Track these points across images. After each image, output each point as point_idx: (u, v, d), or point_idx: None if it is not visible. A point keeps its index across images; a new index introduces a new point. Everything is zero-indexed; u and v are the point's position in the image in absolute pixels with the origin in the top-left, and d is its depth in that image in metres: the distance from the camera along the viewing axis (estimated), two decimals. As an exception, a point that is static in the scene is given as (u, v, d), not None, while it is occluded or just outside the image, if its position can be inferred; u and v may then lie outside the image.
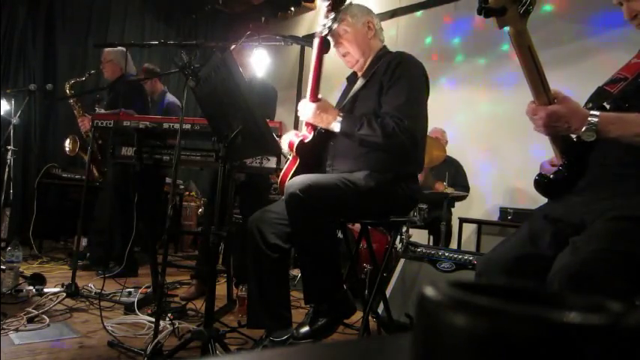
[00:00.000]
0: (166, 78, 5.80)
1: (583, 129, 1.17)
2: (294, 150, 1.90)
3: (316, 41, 1.81)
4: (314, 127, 1.90)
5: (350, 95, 1.92)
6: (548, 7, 3.96)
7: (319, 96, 1.85)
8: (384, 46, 2.01)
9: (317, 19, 5.96)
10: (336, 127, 1.79)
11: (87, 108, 3.57)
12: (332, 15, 1.75)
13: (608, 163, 1.26)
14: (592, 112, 1.18)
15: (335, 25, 1.79)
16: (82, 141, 3.86)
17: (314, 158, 1.94)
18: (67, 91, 3.82)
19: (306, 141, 1.89)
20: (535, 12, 1.13)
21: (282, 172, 1.96)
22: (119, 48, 3.61)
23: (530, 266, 1.25)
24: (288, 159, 1.99)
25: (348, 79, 2.10)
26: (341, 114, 1.80)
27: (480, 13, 1.10)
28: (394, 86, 1.79)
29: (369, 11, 1.98)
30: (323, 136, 1.90)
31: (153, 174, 3.03)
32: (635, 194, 1.18)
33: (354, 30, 1.91)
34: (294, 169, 1.90)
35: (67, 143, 3.89)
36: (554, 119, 1.19)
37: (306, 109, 1.83)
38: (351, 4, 1.90)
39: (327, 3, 1.75)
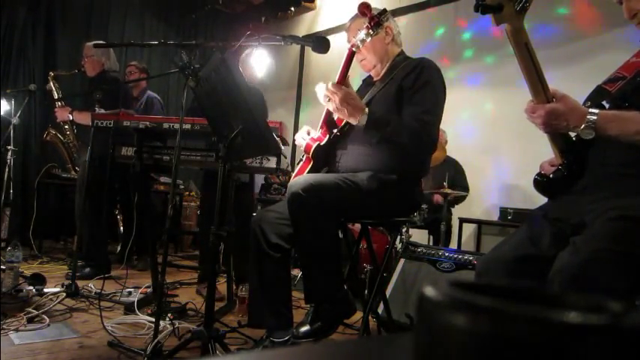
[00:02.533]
0: (166, 78, 5.83)
1: (582, 127, 1.17)
2: (311, 154, 1.90)
3: (346, 54, 1.82)
4: (328, 131, 1.90)
5: (366, 99, 1.91)
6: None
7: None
8: (402, 51, 2.00)
9: (317, 19, 6.00)
10: (363, 119, 1.69)
11: (83, 106, 3.56)
12: (370, 31, 1.75)
13: (608, 162, 1.26)
14: (591, 110, 1.18)
15: (368, 39, 1.79)
16: (59, 131, 3.91)
17: (326, 160, 1.94)
18: (50, 80, 3.85)
19: (322, 144, 1.89)
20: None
21: (295, 173, 1.97)
22: (100, 43, 3.60)
23: (530, 266, 1.25)
24: (301, 159, 1.99)
25: (364, 80, 2.10)
26: (367, 109, 1.72)
27: (477, 10, 1.11)
28: (419, 92, 1.78)
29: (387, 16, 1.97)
30: (337, 138, 1.89)
31: (142, 174, 3.00)
32: (635, 194, 1.18)
33: (376, 35, 1.89)
34: (306, 171, 1.91)
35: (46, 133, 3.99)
36: (553, 117, 1.19)
37: (338, 92, 1.68)
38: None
39: (368, 19, 1.76)
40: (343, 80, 1.80)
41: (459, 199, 3.84)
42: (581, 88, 1.43)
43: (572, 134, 1.34)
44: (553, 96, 1.21)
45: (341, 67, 1.83)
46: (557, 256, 1.16)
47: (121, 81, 3.66)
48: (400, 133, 1.71)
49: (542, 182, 1.39)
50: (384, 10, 1.79)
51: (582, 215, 1.23)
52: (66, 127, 3.82)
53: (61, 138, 3.94)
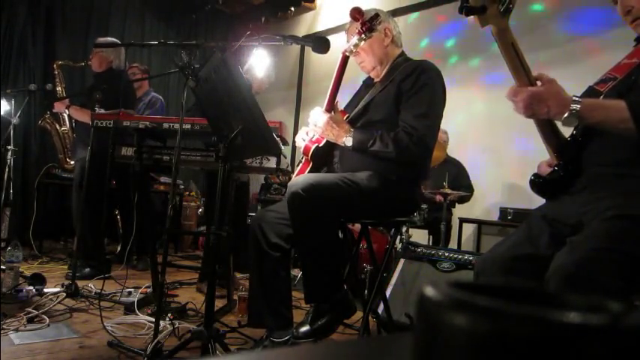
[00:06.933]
0: (166, 78, 5.83)
1: (565, 115, 1.16)
2: (310, 155, 1.91)
3: (340, 59, 1.85)
4: None
5: (365, 100, 1.91)
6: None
7: (336, 112, 1.88)
8: (403, 52, 2.00)
9: (317, 19, 6.00)
10: (347, 141, 1.79)
11: (86, 105, 3.56)
12: (362, 36, 1.77)
13: (603, 163, 1.26)
14: (574, 97, 1.17)
15: (361, 44, 1.80)
16: (57, 120, 3.97)
17: (325, 161, 1.95)
18: (55, 69, 3.90)
19: (320, 145, 1.90)
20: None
21: (295, 174, 1.97)
22: (112, 41, 3.61)
23: (528, 266, 1.25)
24: (301, 161, 2.00)
25: (364, 82, 2.10)
26: (352, 129, 1.80)
27: (461, 12, 1.12)
28: (416, 95, 1.79)
29: (386, 17, 1.95)
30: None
31: (142, 174, 3.00)
32: (632, 193, 1.18)
33: (369, 39, 1.89)
34: (306, 172, 1.91)
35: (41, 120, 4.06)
36: (535, 101, 1.17)
37: (319, 120, 1.83)
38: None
39: (360, 24, 1.77)
40: (332, 104, 1.86)
41: (464, 199, 3.83)
42: (580, 89, 1.43)
43: (567, 132, 1.34)
44: (539, 79, 1.21)
45: (335, 74, 1.85)
46: (555, 255, 1.16)
47: (127, 79, 3.66)
48: (387, 146, 1.73)
49: (538, 183, 1.39)
50: (376, 15, 1.79)
51: (579, 216, 1.23)
52: (64, 117, 3.87)
53: (57, 127, 3.95)
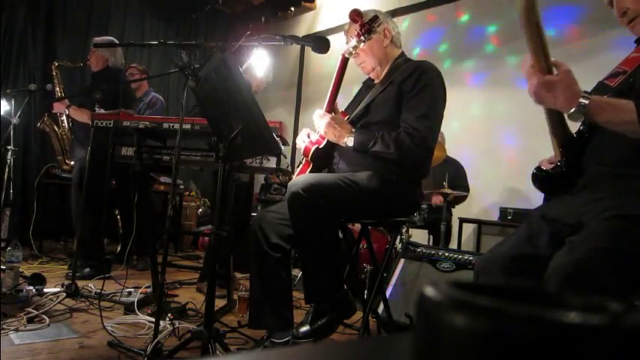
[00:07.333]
0: (166, 78, 5.83)
1: (572, 110, 1.15)
2: (310, 157, 1.91)
3: (340, 60, 1.86)
4: None
5: (365, 101, 1.92)
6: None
7: (337, 113, 1.89)
8: (402, 52, 2.00)
9: (317, 19, 5.99)
10: (349, 141, 1.80)
11: (83, 105, 3.55)
12: (361, 38, 1.78)
13: (604, 162, 1.26)
14: (584, 93, 1.15)
15: (360, 45, 1.81)
16: (55, 121, 3.99)
17: (325, 162, 1.95)
18: (53, 69, 3.92)
19: (320, 147, 1.90)
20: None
21: (295, 175, 1.97)
22: (110, 40, 3.61)
23: (528, 266, 1.25)
24: (301, 162, 2.00)
25: (365, 83, 2.10)
26: (354, 129, 1.81)
27: None
28: (417, 96, 1.79)
29: (385, 18, 1.95)
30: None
31: (142, 174, 2.99)
32: (632, 194, 1.18)
33: (368, 41, 1.89)
34: (306, 173, 1.91)
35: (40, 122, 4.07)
36: (544, 89, 1.16)
37: (321, 121, 1.84)
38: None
39: (359, 26, 1.77)
40: (332, 105, 1.87)
41: (459, 199, 3.84)
42: (589, 87, 1.43)
43: (574, 127, 1.34)
44: (555, 66, 1.19)
45: (335, 75, 1.85)
46: (554, 255, 1.16)
47: (124, 79, 3.66)
48: (388, 147, 1.74)
49: (540, 176, 1.39)
50: (375, 17, 1.80)
51: (579, 215, 1.23)
52: (62, 118, 3.87)
53: (55, 128, 3.96)
